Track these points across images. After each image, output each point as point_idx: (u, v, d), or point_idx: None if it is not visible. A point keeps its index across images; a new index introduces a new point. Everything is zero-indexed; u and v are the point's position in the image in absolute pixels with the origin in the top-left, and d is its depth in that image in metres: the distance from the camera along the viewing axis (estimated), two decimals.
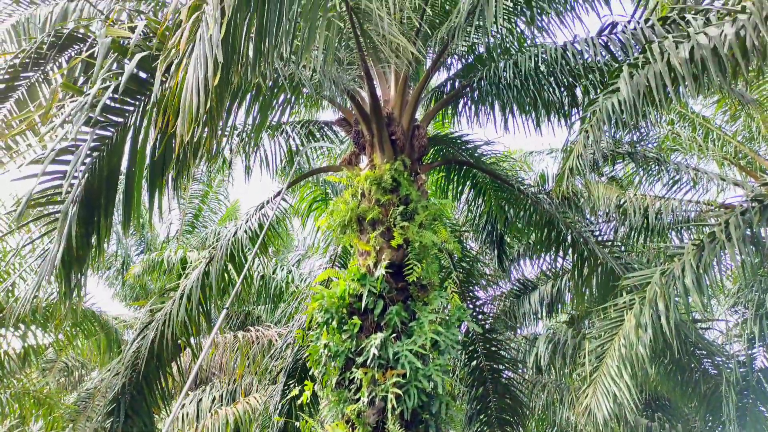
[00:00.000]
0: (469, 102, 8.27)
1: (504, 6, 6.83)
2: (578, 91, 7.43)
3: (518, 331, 12.74)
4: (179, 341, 7.54)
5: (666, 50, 4.91)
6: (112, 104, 4.44)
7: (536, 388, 12.24)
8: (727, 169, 11.85)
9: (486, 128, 8.40)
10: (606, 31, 6.80)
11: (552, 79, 7.28)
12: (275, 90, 5.99)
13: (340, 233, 6.71)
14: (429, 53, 7.85)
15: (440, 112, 8.89)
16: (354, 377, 5.97)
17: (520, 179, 9.28)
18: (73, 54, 5.15)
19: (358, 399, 5.88)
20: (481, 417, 9.22)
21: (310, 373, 6.43)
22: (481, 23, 6.47)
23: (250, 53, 4.06)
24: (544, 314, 11.76)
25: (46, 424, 9.61)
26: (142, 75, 4.46)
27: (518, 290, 12.17)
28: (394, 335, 6.06)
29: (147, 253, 16.50)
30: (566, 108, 7.58)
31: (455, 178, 9.33)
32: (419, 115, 7.88)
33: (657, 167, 10.14)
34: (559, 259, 9.15)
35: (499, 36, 7.82)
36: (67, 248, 4.31)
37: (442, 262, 9.36)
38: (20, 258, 8.71)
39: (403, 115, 7.29)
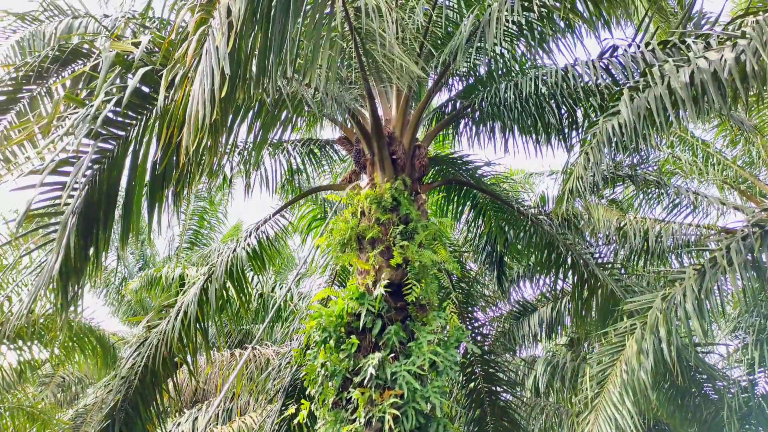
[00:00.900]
0: (470, 122, 8.30)
1: (505, 28, 6.88)
2: (579, 113, 7.46)
3: (517, 353, 12.65)
4: (175, 358, 7.48)
5: (666, 74, 4.94)
6: (115, 118, 4.46)
7: (534, 411, 12.12)
8: (728, 193, 11.86)
9: (487, 149, 8.42)
10: (607, 54, 6.84)
11: (553, 101, 7.31)
12: (277, 107, 6.02)
13: (340, 252, 6.69)
14: (431, 74, 7.90)
15: (441, 132, 8.93)
16: (351, 397, 5.91)
17: (520, 200, 9.28)
18: (76, 69, 5.19)
19: (355, 419, 5.81)
20: None
21: (308, 392, 6.37)
22: (482, 45, 6.51)
23: (254, 70, 4.08)
24: (543, 336, 11.68)
25: None
26: (145, 89, 4.48)
27: (518, 312, 12.10)
28: (392, 355, 6.01)
29: (146, 269, 16.47)
30: (567, 130, 7.61)
31: (455, 198, 9.33)
32: (420, 134, 7.90)
33: (657, 190, 10.15)
34: (559, 281, 9.12)
35: (500, 58, 7.87)
36: (65, 260, 4.29)
37: (442, 282, 9.34)
38: (17, 271, 8.68)
39: (404, 135, 7.31)
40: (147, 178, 4.63)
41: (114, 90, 4.25)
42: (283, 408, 8.52)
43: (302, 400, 6.51)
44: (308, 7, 4.30)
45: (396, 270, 6.41)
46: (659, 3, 8.27)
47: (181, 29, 4.01)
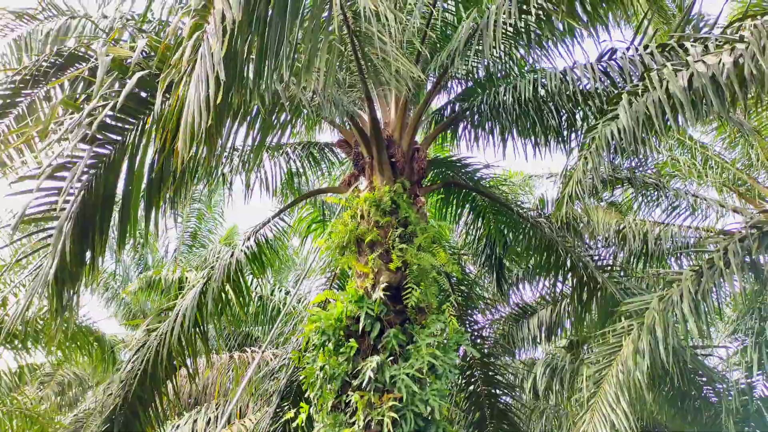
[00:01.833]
0: (468, 125, 8.29)
1: (504, 31, 6.88)
2: (577, 116, 7.46)
3: (517, 355, 12.64)
4: (175, 361, 7.48)
5: (665, 78, 4.93)
6: (111, 122, 4.45)
7: (534, 413, 12.11)
8: (726, 195, 11.85)
9: (486, 152, 8.42)
10: (605, 57, 6.84)
11: (551, 103, 7.30)
12: (275, 111, 6.01)
13: (339, 254, 6.69)
14: (429, 77, 7.90)
15: (440, 134, 8.92)
16: (350, 400, 5.91)
17: (519, 203, 9.28)
18: (74, 72, 5.18)
19: (354, 423, 5.81)
20: None
21: (306, 395, 6.37)
22: (480, 48, 6.51)
23: (251, 74, 4.07)
24: (543, 339, 11.67)
25: None
26: (142, 94, 4.47)
27: (517, 314, 12.09)
28: (391, 358, 6.00)
29: (145, 271, 16.45)
30: (566, 132, 7.60)
31: (454, 200, 9.32)
32: (419, 137, 7.90)
33: (656, 193, 10.14)
34: (559, 284, 9.11)
35: (499, 60, 7.86)
36: (61, 264, 4.28)
37: (441, 284, 9.32)
38: (14, 272, 8.67)
39: (402, 138, 7.31)
40: (144, 182, 4.62)
41: (111, 94, 4.24)
42: (279, 410, 8.52)
43: (301, 403, 6.50)
44: (306, 10, 4.30)
45: (395, 273, 6.40)
46: (659, 3, 8.28)
47: (179, 30, 4.00)
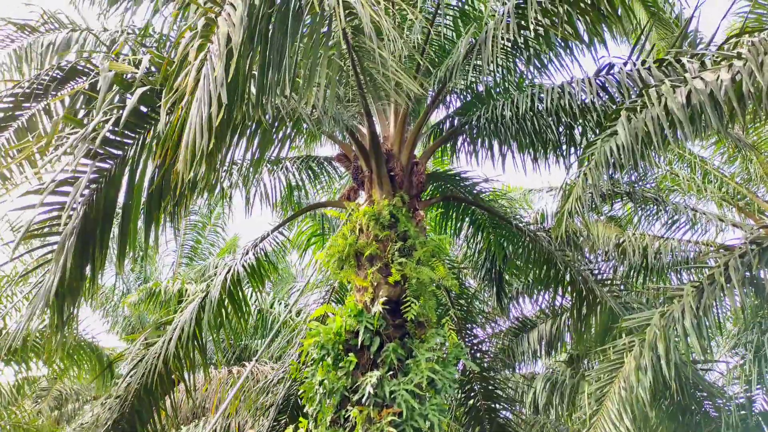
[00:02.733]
0: (467, 139, 8.32)
1: (502, 46, 6.92)
2: (576, 131, 7.48)
3: (516, 369, 12.59)
4: (173, 375, 7.44)
5: (663, 94, 4.95)
6: (112, 137, 4.46)
7: (534, 428, 12.04)
8: (726, 209, 11.86)
9: (485, 165, 8.44)
10: (603, 72, 6.87)
11: (550, 118, 7.33)
12: (275, 125, 6.03)
13: (338, 268, 6.68)
14: (429, 91, 7.94)
15: (439, 148, 8.95)
16: (349, 415, 5.87)
17: (518, 217, 9.28)
18: (75, 87, 5.20)
19: None
20: None
21: (305, 410, 6.33)
22: (479, 62, 6.54)
23: (253, 89, 4.09)
24: (542, 353, 11.64)
25: None
26: (143, 108, 4.49)
27: (517, 328, 12.06)
28: (390, 373, 5.98)
29: (144, 284, 16.42)
30: (564, 147, 7.63)
31: (454, 214, 9.33)
32: (418, 151, 7.92)
33: (655, 207, 10.16)
34: (558, 298, 9.09)
35: (498, 75, 7.90)
36: (61, 279, 4.28)
37: (440, 298, 9.32)
38: (14, 286, 8.66)
39: (402, 152, 7.33)
40: (144, 196, 4.63)
41: (112, 109, 4.26)
42: (275, 423, 8.48)
43: (300, 418, 6.47)
44: (306, 26, 4.33)
45: (394, 287, 6.39)
46: (659, 15, 8.33)
47: (177, 46, 4.01)
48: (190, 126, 3.28)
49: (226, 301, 7.70)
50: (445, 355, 6.23)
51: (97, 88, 4.36)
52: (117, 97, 4.48)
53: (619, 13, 6.22)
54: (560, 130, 7.49)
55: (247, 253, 8.01)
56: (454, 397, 9.17)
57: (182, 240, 17.26)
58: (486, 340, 12.19)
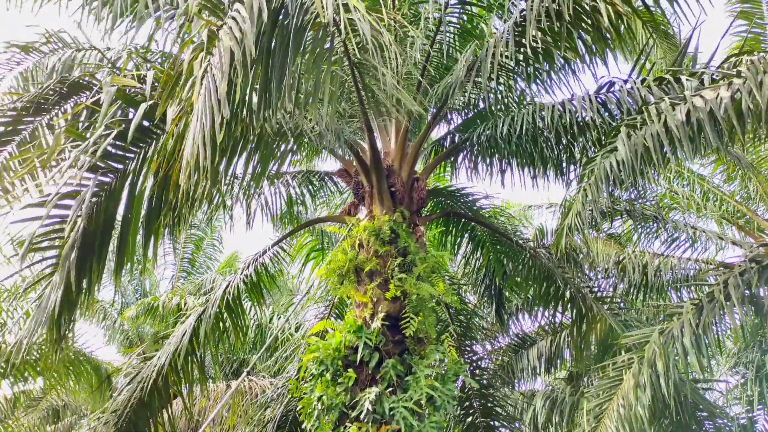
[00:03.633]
0: (468, 155, 8.34)
1: (502, 64, 6.96)
2: (576, 149, 7.50)
3: (516, 386, 12.52)
4: (171, 389, 7.40)
5: (663, 112, 4.98)
6: (114, 151, 4.48)
7: None
8: (726, 227, 11.86)
9: (485, 182, 8.43)
10: (604, 90, 6.91)
11: (550, 135, 7.35)
12: (277, 140, 6.05)
13: (338, 283, 6.66)
14: (429, 107, 7.97)
15: (440, 164, 8.97)
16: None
17: (518, 233, 9.28)
18: (78, 101, 5.22)
19: None
20: None
21: (303, 426, 6.29)
22: (479, 80, 6.58)
23: (254, 104, 4.11)
24: (542, 370, 11.57)
25: None
26: (144, 123, 4.51)
27: (516, 345, 12.01)
28: (389, 389, 5.95)
29: (143, 298, 16.37)
30: (564, 164, 7.65)
31: (454, 230, 9.33)
32: (419, 167, 7.94)
33: (655, 225, 10.16)
34: (558, 315, 9.07)
35: (499, 92, 7.95)
36: (63, 294, 4.27)
37: (440, 315, 9.28)
38: (15, 300, 8.64)
39: (402, 168, 7.35)
40: (143, 209, 4.63)
41: (114, 123, 4.28)
42: None
43: None
44: (308, 42, 4.36)
45: (394, 303, 6.37)
46: (664, 30, 8.37)
47: (177, 60, 4.03)
48: (192, 139, 3.29)
49: (225, 315, 7.69)
50: (444, 372, 6.20)
51: (100, 103, 4.38)
52: (119, 112, 4.50)
53: (621, 31, 6.24)
54: (560, 147, 7.51)
55: (247, 267, 8.01)
56: (453, 414, 9.11)
57: (182, 253, 17.24)
58: (485, 356, 12.14)
